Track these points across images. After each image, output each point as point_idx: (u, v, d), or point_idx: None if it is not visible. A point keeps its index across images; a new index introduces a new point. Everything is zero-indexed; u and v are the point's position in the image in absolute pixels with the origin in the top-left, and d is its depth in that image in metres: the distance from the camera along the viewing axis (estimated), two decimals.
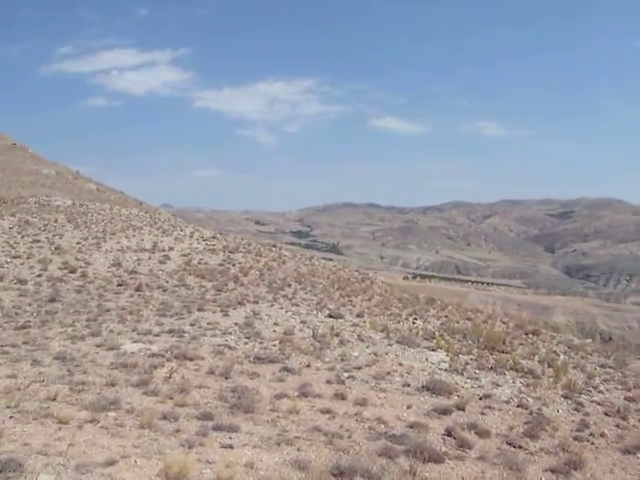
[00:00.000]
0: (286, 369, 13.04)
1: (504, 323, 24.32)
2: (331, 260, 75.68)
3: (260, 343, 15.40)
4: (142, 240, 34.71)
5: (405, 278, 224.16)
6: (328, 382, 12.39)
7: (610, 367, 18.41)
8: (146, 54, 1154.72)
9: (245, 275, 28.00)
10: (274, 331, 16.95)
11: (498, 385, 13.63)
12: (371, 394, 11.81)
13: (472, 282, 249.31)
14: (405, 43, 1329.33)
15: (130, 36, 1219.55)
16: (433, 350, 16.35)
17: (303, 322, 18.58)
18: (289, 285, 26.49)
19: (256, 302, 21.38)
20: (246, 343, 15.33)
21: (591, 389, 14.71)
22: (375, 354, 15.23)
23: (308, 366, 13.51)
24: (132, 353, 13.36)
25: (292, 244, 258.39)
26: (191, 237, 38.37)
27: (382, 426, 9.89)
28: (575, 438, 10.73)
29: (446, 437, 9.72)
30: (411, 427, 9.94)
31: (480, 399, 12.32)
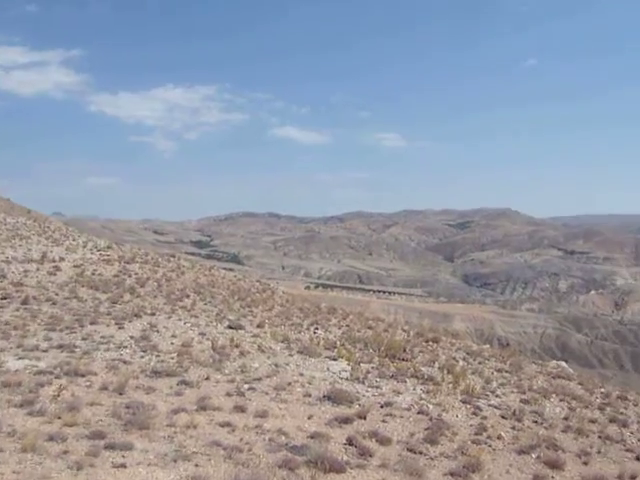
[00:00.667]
0: (184, 382, 12.76)
1: (405, 331, 24.93)
2: (232, 270, 75.12)
3: (157, 356, 14.99)
4: (30, 250, 33.10)
5: (307, 288, 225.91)
6: (228, 394, 12.22)
7: (506, 371, 19.25)
8: (35, 53, 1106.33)
9: (142, 286, 27.29)
10: (172, 344, 16.57)
11: (399, 393, 13.92)
12: (272, 405, 11.74)
13: (374, 291, 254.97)
14: (306, 53, 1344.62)
15: (17, 33, 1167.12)
16: (334, 360, 16.50)
17: (202, 334, 18.28)
18: (188, 296, 26.04)
19: (153, 314, 20.85)
20: (142, 357, 14.88)
21: (489, 393, 15.33)
22: (276, 365, 15.19)
23: (207, 379, 13.28)
24: (16, 371, 12.64)
25: (192, 254, 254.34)
26: (84, 247, 37.03)
27: (283, 437, 9.84)
28: (473, 441, 11.11)
29: (347, 446, 9.80)
30: (312, 437, 9.95)
31: (381, 407, 12.53)
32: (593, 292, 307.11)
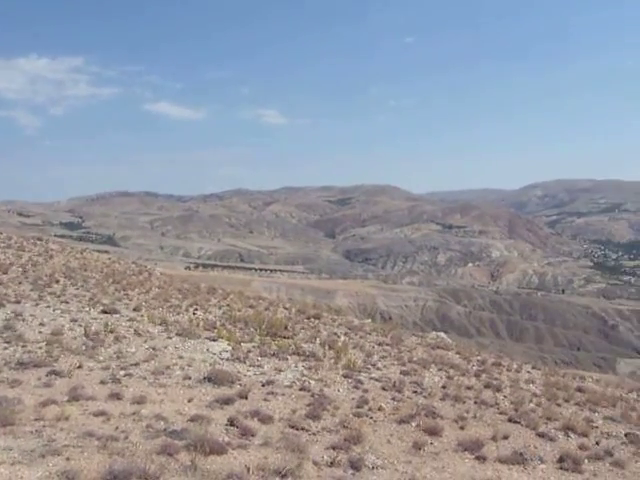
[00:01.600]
0: (54, 373, 12.23)
1: (286, 309, 25.19)
2: (106, 252, 72.57)
3: (23, 347, 14.25)
4: None
5: (187, 268, 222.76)
6: (102, 382, 11.85)
7: (387, 344, 19.96)
8: None
9: (4, 273, 25.82)
10: (40, 332, 15.81)
11: (281, 370, 14.08)
12: (150, 391, 11.53)
13: (256, 270, 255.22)
14: (181, 26, 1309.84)
15: None
16: (214, 340, 16.42)
17: (74, 320, 17.58)
18: (57, 281, 24.96)
19: (18, 302, 19.78)
20: (6, 348, 14.10)
21: (370, 367, 15.84)
22: (153, 349, 14.90)
23: (79, 367, 12.80)
24: None
25: (62, 237, 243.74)
26: None
27: (161, 423, 9.69)
28: (355, 414, 11.46)
29: (229, 427, 9.80)
30: (192, 420, 9.87)
31: (263, 386, 12.63)
32: (470, 264, 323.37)
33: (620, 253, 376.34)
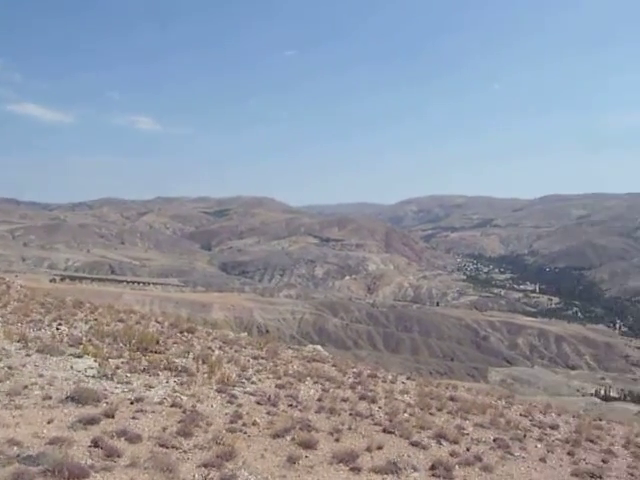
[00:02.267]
0: None
1: (159, 323, 24.47)
2: None
3: None
4: None
5: (52, 281, 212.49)
6: None
7: (263, 358, 19.82)
8: None
9: None
10: None
11: (151, 387, 13.59)
12: (3, 413, 10.75)
13: (127, 282, 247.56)
14: (44, 23, 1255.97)
15: None
16: (80, 357, 15.61)
17: None
18: None
19: None
20: None
21: (244, 381, 15.65)
22: (9, 367, 13.92)
23: None
24: None
25: None
26: None
27: (15, 448, 9.02)
28: (229, 430, 11.23)
29: (92, 448, 9.29)
30: (51, 444, 9.27)
31: (131, 403, 12.12)
32: (348, 277, 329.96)
33: (491, 267, 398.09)
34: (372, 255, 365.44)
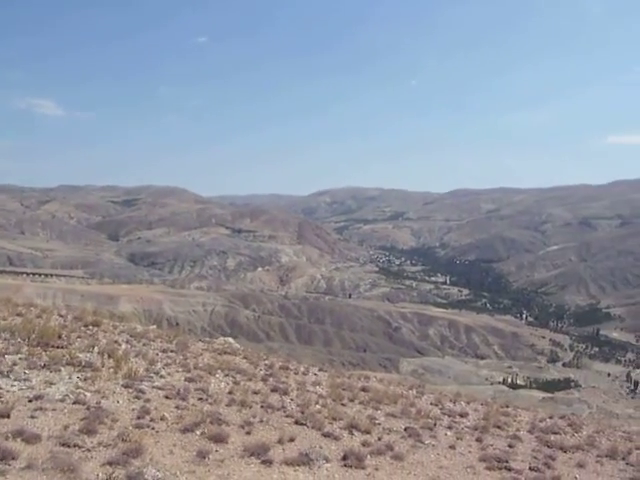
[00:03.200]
0: None
1: (62, 316, 23.57)
2: None
3: None
4: None
5: None
6: None
7: (172, 351, 19.43)
8: None
9: None
10: None
11: (52, 383, 13.05)
12: None
13: (27, 274, 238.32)
14: None
15: None
16: None
17: None
18: None
19: None
20: None
21: (152, 375, 15.28)
22: None
23: None
24: None
25: None
26: None
27: None
28: (136, 426, 10.94)
29: None
30: None
31: (30, 401, 11.60)
32: (260, 269, 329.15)
33: (403, 259, 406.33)
34: (285, 247, 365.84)
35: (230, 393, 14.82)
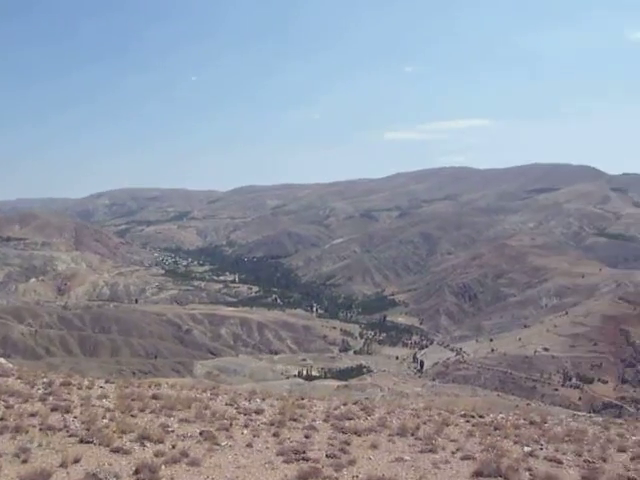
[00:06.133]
0: None
1: None
2: None
3: None
4: None
5: None
6: None
7: None
8: None
9: None
10: None
11: None
12: None
13: None
14: None
15: None
16: None
17: None
18: None
19: None
20: None
21: None
22: None
23: None
24: None
25: None
26: None
27: None
28: None
29: None
30: None
31: None
32: (34, 279, 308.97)
33: (190, 259, 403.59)
34: (61, 254, 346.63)
35: (2, 419, 13.60)
